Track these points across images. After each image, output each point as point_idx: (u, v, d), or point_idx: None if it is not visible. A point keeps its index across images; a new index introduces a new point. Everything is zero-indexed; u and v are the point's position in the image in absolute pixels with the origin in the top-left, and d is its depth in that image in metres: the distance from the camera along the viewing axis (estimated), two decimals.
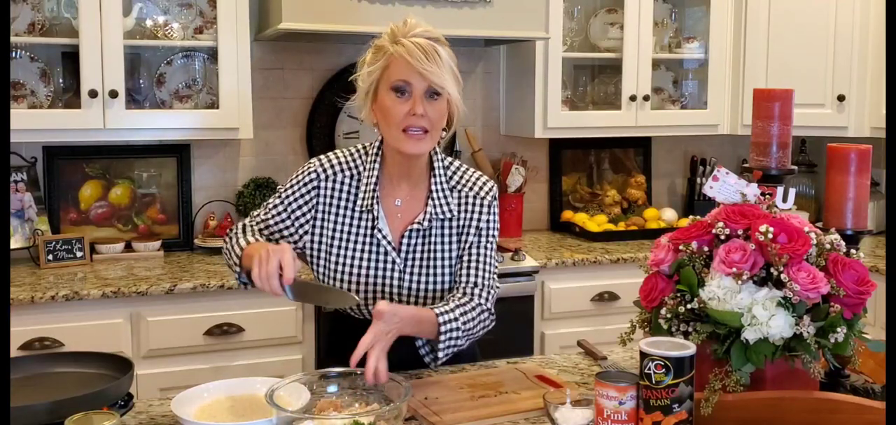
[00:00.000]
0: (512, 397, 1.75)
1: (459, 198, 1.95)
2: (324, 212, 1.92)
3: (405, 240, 1.91)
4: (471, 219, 1.94)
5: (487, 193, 1.97)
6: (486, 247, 1.95)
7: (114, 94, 2.94)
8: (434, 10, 3.07)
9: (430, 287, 1.93)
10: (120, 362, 1.70)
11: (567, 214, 3.84)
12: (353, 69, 3.78)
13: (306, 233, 1.92)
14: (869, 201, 1.79)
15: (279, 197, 1.94)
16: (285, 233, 1.93)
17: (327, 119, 3.55)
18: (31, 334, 2.66)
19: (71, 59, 3.08)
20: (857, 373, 1.72)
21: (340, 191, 1.92)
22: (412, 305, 1.91)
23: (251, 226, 1.96)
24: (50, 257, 3.04)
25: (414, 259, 1.92)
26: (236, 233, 1.94)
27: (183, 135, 3.15)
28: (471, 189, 1.96)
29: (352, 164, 1.94)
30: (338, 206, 1.92)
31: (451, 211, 1.93)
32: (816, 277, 1.48)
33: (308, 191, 1.91)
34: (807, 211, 3.77)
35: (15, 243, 3.06)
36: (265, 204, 1.98)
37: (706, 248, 1.58)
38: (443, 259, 1.93)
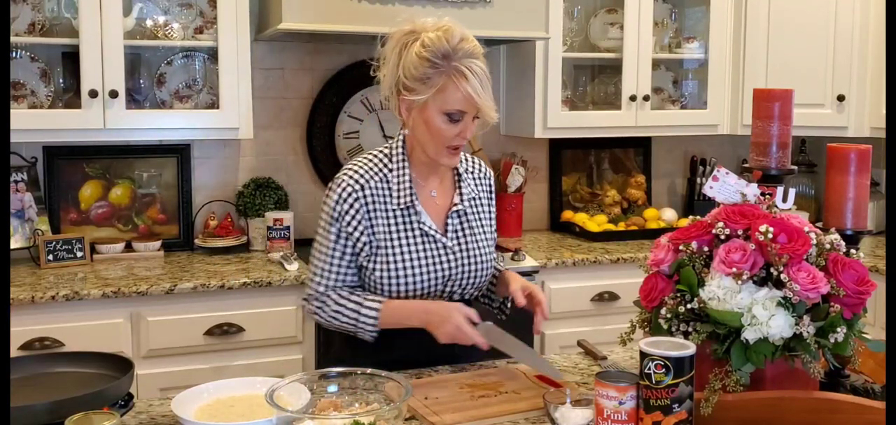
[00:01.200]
0: (512, 397, 1.75)
1: (475, 179, 2.11)
2: (370, 217, 1.96)
3: (450, 224, 2.02)
4: (490, 200, 2.13)
5: (490, 177, 2.16)
6: (495, 231, 2.16)
7: (114, 94, 2.94)
8: (434, 11, 3.07)
9: (476, 265, 2.03)
10: (120, 362, 1.70)
11: (567, 214, 3.84)
12: (353, 69, 3.82)
13: (365, 245, 1.96)
14: (869, 201, 1.80)
15: (333, 237, 1.95)
16: (353, 265, 1.98)
17: (327, 119, 3.55)
18: (32, 334, 2.66)
19: (71, 59, 3.08)
20: (857, 373, 1.72)
21: (375, 195, 1.96)
22: (458, 286, 2.02)
23: (339, 291, 1.97)
24: (50, 257, 3.04)
25: (459, 241, 2.02)
26: (342, 305, 1.95)
27: (183, 135, 3.15)
28: (480, 170, 2.13)
29: (375, 170, 1.99)
30: (376, 210, 1.96)
31: (474, 191, 2.08)
32: (816, 277, 1.48)
33: (352, 206, 1.94)
34: (807, 211, 3.77)
35: (15, 243, 3.06)
36: (321, 257, 1.98)
37: (706, 248, 1.58)
38: (481, 236, 2.06)
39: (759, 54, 3.64)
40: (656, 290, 1.59)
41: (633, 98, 3.59)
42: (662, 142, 4.08)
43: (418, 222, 1.98)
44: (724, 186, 1.64)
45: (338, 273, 1.97)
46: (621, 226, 3.72)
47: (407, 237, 1.97)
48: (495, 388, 1.81)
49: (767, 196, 1.63)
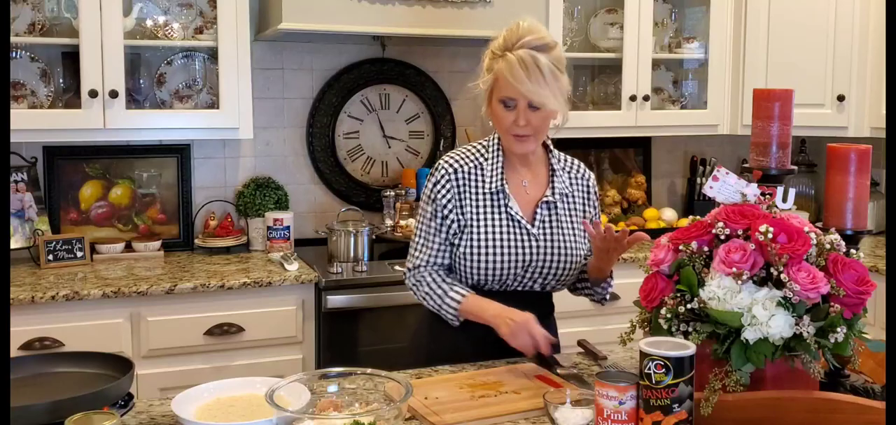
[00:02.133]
0: (512, 397, 1.75)
1: (570, 179, 2.17)
2: (462, 199, 2.07)
3: (538, 214, 2.08)
4: (586, 200, 2.18)
5: (590, 179, 2.22)
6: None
7: (114, 94, 2.94)
8: (434, 10, 3.07)
9: (561, 257, 2.08)
10: (120, 362, 1.70)
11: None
12: (353, 69, 3.83)
13: (454, 222, 2.07)
14: (869, 201, 1.80)
15: (430, 216, 2.08)
16: (446, 243, 2.08)
17: (327, 119, 3.55)
18: (32, 334, 2.66)
19: (71, 58, 3.08)
20: (857, 373, 1.72)
21: (469, 179, 2.08)
22: (539, 276, 2.09)
23: (436, 269, 2.09)
24: (50, 257, 3.04)
25: (546, 232, 2.08)
26: (433, 286, 2.07)
27: (183, 135, 3.15)
28: (578, 171, 2.20)
29: (472, 158, 2.10)
30: (469, 193, 2.07)
31: (568, 188, 2.14)
32: (816, 277, 1.48)
33: (448, 189, 2.07)
34: (807, 211, 3.77)
35: (15, 243, 3.06)
36: (421, 234, 2.11)
37: (706, 248, 1.58)
38: (570, 231, 2.11)
39: (759, 54, 3.64)
40: (656, 290, 1.59)
41: (633, 98, 3.59)
42: (662, 142, 4.08)
43: (506, 206, 2.06)
44: (724, 186, 1.64)
45: (431, 248, 2.08)
46: (621, 226, 3.71)
47: (494, 219, 2.05)
48: (495, 388, 1.81)
49: (767, 196, 1.62)
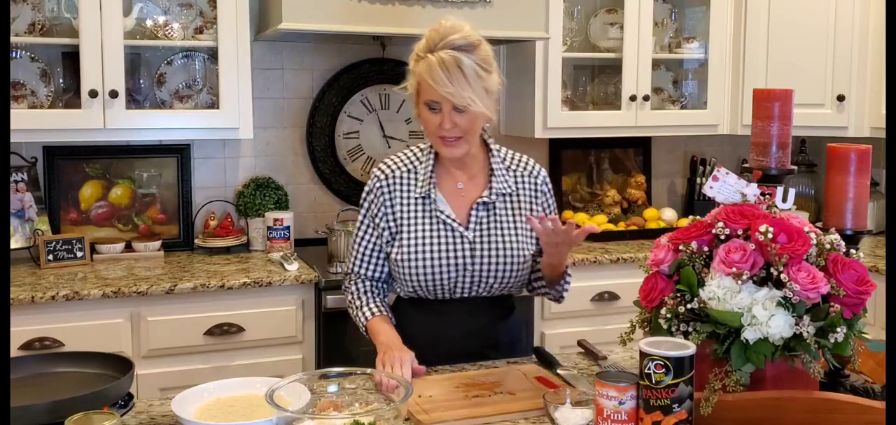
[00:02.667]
0: (506, 398, 1.75)
1: (516, 178, 2.10)
2: (393, 205, 2.05)
3: (473, 215, 2.04)
4: (534, 199, 2.10)
5: (540, 175, 2.13)
6: None
7: (114, 94, 2.94)
8: (434, 10, 3.07)
9: (499, 260, 2.03)
10: (120, 362, 1.70)
11: (567, 214, 3.84)
12: (353, 69, 3.83)
13: (385, 229, 2.05)
14: (869, 201, 1.80)
15: (362, 226, 2.10)
16: (379, 250, 2.08)
17: (327, 119, 3.55)
18: (31, 334, 2.66)
19: (71, 58, 3.08)
20: (857, 373, 1.72)
21: (401, 184, 2.06)
22: (482, 280, 2.03)
23: (362, 280, 2.10)
24: (50, 257, 3.04)
25: (483, 234, 2.04)
26: (354, 296, 2.10)
27: (183, 135, 3.15)
28: (526, 169, 2.12)
29: (407, 162, 2.09)
30: (399, 199, 2.05)
31: (510, 187, 2.08)
32: (816, 277, 1.48)
33: (379, 195, 2.06)
34: (807, 211, 3.77)
35: (15, 243, 3.06)
36: (354, 244, 2.11)
37: (706, 248, 1.58)
38: (509, 233, 2.05)
39: (759, 54, 3.64)
40: (656, 290, 1.59)
41: (633, 98, 3.59)
42: (662, 142, 4.08)
43: (437, 211, 2.03)
44: (724, 186, 1.64)
45: (363, 256, 2.09)
46: (621, 226, 3.72)
47: (424, 224, 2.03)
48: (491, 388, 1.80)
49: (767, 196, 1.62)
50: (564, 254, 1.97)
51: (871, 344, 1.75)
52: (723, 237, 1.56)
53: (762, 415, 1.46)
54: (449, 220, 2.02)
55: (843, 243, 1.58)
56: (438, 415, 1.65)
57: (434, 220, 2.03)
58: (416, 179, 2.05)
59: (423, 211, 2.03)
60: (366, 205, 2.09)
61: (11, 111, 2.87)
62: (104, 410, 1.42)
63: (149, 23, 3.18)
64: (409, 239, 2.02)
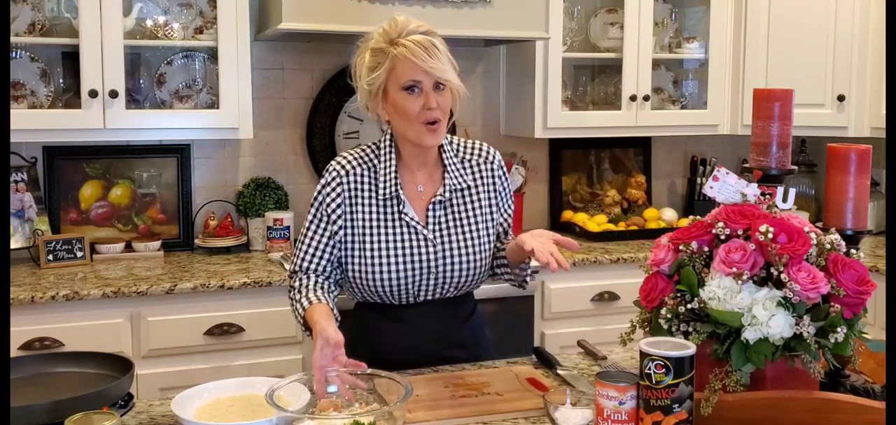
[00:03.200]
0: (493, 399, 1.74)
1: (472, 168, 2.05)
2: (352, 205, 1.97)
3: (430, 215, 1.99)
4: (492, 187, 2.06)
5: (495, 159, 2.08)
6: (512, 210, 2.13)
7: (114, 94, 2.94)
8: (434, 10, 3.07)
9: (461, 258, 1.99)
10: (120, 362, 1.70)
11: (567, 214, 3.84)
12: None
13: (340, 229, 1.97)
14: (869, 201, 1.79)
15: (314, 223, 1.99)
16: (329, 247, 1.98)
17: (327, 119, 3.55)
18: (31, 334, 2.66)
19: (71, 59, 3.08)
20: (857, 373, 1.72)
21: (361, 184, 1.98)
22: (445, 281, 1.99)
23: (306, 274, 1.98)
24: (50, 257, 3.04)
25: (441, 232, 1.99)
26: (296, 289, 1.96)
27: (183, 135, 3.15)
28: (480, 155, 2.07)
29: (365, 160, 2.01)
30: (362, 199, 1.98)
31: (465, 181, 2.03)
32: (816, 277, 1.48)
33: (335, 191, 1.97)
34: (807, 211, 3.77)
35: (15, 243, 3.06)
36: (301, 240, 2.00)
37: (706, 248, 1.58)
38: (468, 228, 2.01)
39: (759, 54, 3.64)
40: (656, 290, 1.59)
41: (633, 98, 3.59)
42: (662, 142, 4.08)
43: (401, 213, 1.97)
44: (724, 186, 1.64)
45: (313, 253, 1.98)
46: (621, 226, 3.72)
47: (387, 228, 1.96)
48: (480, 389, 1.80)
49: (767, 196, 1.62)
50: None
51: (871, 344, 1.75)
52: (723, 237, 1.56)
53: (762, 415, 1.46)
54: (412, 222, 1.97)
55: (843, 243, 1.58)
56: (421, 415, 1.65)
57: (398, 223, 1.97)
58: (375, 179, 1.98)
59: (386, 212, 1.97)
60: (319, 199, 1.98)
61: (11, 111, 2.87)
62: (104, 410, 1.42)
63: (149, 23, 3.18)
64: (372, 244, 1.95)
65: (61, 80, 3.16)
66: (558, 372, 1.90)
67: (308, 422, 1.50)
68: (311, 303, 1.88)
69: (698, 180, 3.98)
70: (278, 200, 3.41)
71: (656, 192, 4.10)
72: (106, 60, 2.93)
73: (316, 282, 1.97)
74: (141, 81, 3.26)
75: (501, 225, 2.09)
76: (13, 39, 2.96)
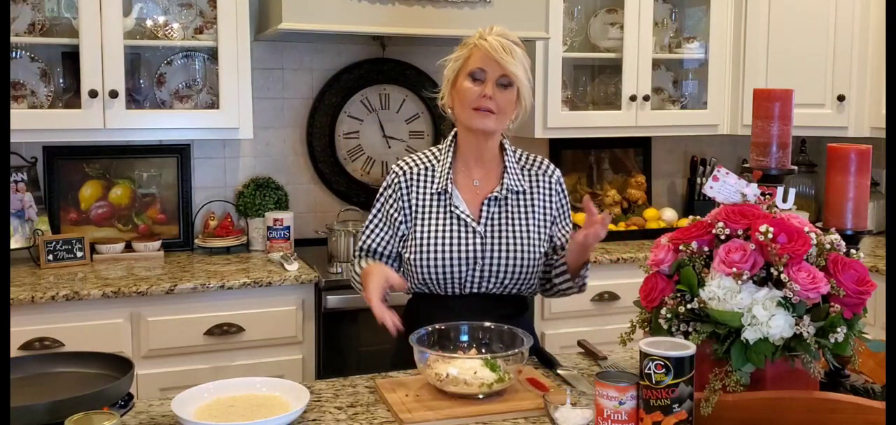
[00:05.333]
0: (493, 399, 1.74)
1: (531, 177, 2.14)
2: (409, 203, 2.09)
3: (484, 210, 2.07)
4: (549, 200, 2.14)
5: (555, 175, 2.17)
6: (570, 227, 2.19)
7: (114, 94, 2.94)
8: (434, 10, 3.07)
9: (509, 256, 2.05)
10: (120, 362, 1.70)
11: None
12: (353, 69, 3.83)
13: (401, 224, 2.09)
14: (869, 201, 1.80)
15: (375, 218, 2.14)
16: (388, 237, 2.11)
17: (327, 119, 3.55)
18: (31, 334, 2.66)
19: (71, 59, 3.08)
20: (857, 373, 1.72)
21: (418, 181, 2.10)
22: (492, 275, 2.06)
23: (366, 254, 2.13)
24: (50, 257, 3.04)
25: (494, 229, 2.07)
26: (356, 265, 2.12)
27: (183, 135, 3.15)
28: (540, 168, 2.16)
29: (425, 160, 2.13)
30: (418, 195, 2.09)
31: (522, 186, 2.11)
32: (816, 277, 1.48)
33: (395, 192, 2.10)
34: (807, 211, 3.77)
35: (15, 243, 3.06)
36: (363, 231, 2.15)
37: (706, 248, 1.58)
38: (520, 229, 2.08)
39: (759, 54, 3.64)
40: (656, 290, 1.59)
41: (633, 98, 3.59)
42: (662, 142, 4.08)
43: (452, 206, 2.06)
44: (724, 186, 1.64)
45: (371, 237, 2.12)
46: (621, 226, 3.72)
47: (440, 220, 2.06)
48: (480, 388, 1.80)
49: (767, 196, 1.62)
50: (592, 247, 1.99)
51: (871, 344, 1.75)
52: (723, 237, 1.56)
53: (762, 415, 1.46)
54: (463, 216, 2.06)
55: (843, 243, 1.58)
56: (419, 415, 1.65)
57: (448, 215, 2.06)
58: (433, 176, 2.10)
59: (439, 206, 2.07)
60: (381, 200, 2.13)
61: (11, 111, 2.87)
62: (104, 410, 1.42)
63: (149, 23, 3.18)
64: (422, 233, 2.05)
65: (61, 80, 3.16)
66: (558, 372, 1.90)
67: (443, 364, 1.68)
68: (368, 264, 2.04)
69: (698, 180, 3.98)
70: (278, 200, 3.41)
71: (656, 192, 4.10)
72: (106, 60, 2.93)
73: (371, 260, 2.10)
74: (141, 81, 3.26)
75: (560, 239, 2.15)
76: (13, 39, 2.96)
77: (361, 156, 3.64)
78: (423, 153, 2.16)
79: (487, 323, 1.91)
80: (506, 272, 2.06)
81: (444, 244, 2.04)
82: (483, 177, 2.10)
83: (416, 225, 2.06)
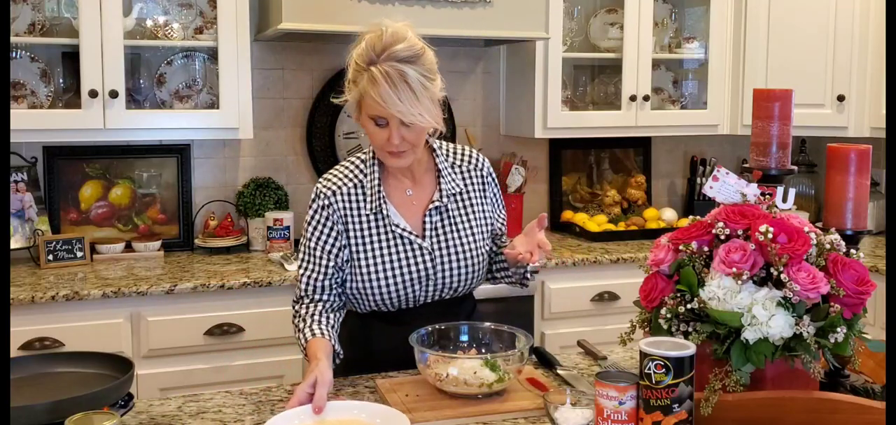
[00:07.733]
0: (493, 399, 1.74)
1: (463, 174, 2.04)
2: (345, 224, 1.94)
3: (428, 221, 1.97)
4: (483, 195, 2.05)
5: (484, 166, 2.08)
6: (505, 214, 2.13)
7: (114, 94, 2.94)
8: (434, 10, 3.07)
9: (459, 263, 1.98)
10: (120, 362, 1.70)
11: (567, 214, 3.84)
12: None
13: (339, 248, 1.94)
14: (869, 201, 1.80)
15: (309, 246, 1.95)
16: (332, 269, 1.94)
17: (327, 119, 3.55)
18: (31, 334, 2.66)
19: (71, 58, 3.08)
20: (857, 373, 1.72)
21: (349, 201, 1.95)
22: (445, 286, 1.98)
23: (313, 302, 1.94)
24: (50, 257, 3.04)
25: (439, 239, 1.98)
26: (300, 318, 1.93)
27: (183, 135, 3.15)
28: (471, 162, 2.06)
29: (351, 175, 1.98)
30: (352, 216, 1.94)
31: (458, 186, 2.02)
32: (816, 277, 1.48)
33: (326, 214, 1.94)
34: (807, 211, 3.77)
35: (15, 243, 3.06)
36: (302, 266, 1.96)
37: (706, 248, 1.58)
38: (466, 234, 2.00)
39: (759, 54, 3.64)
40: (656, 290, 1.59)
41: (633, 98, 3.59)
42: (662, 142, 4.08)
43: (392, 225, 1.94)
44: (724, 186, 1.64)
45: (310, 280, 1.94)
46: (621, 226, 3.72)
47: (382, 242, 1.94)
48: (480, 388, 1.80)
49: (767, 196, 1.62)
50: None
51: (871, 344, 1.75)
52: (723, 237, 1.56)
53: (762, 415, 1.46)
54: (405, 233, 1.94)
55: (843, 243, 1.58)
56: (420, 415, 1.65)
57: (389, 235, 1.94)
58: (363, 194, 1.95)
59: (377, 226, 1.94)
60: (316, 232, 1.94)
61: (11, 111, 2.87)
62: (104, 410, 1.42)
63: (149, 23, 3.18)
64: (366, 259, 1.93)
65: (61, 80, 3.16)
66: (558, 372, 1.91)
67: (451, 368, 1.68)
68: (314, 335, 1.86)
69: (698, 180, 3.98)
70: (278, 200, 3.41)
71: (656, 192, 4.10)
72: (106, 60, 2.93)
73: (321, 310, 1.93)
74: (141, 81, 3.26)
75: (498, 229, 2.09)
76: (13, 39, 2.96)
77: None
78: (346, 166, 1.99)
79: (487, 324, 1.91)
80: (458, 279, 1.99)
81: (391, 267, 1.93)
82: (414, 185, 1.98)
83: (358, 250, 1.93)
